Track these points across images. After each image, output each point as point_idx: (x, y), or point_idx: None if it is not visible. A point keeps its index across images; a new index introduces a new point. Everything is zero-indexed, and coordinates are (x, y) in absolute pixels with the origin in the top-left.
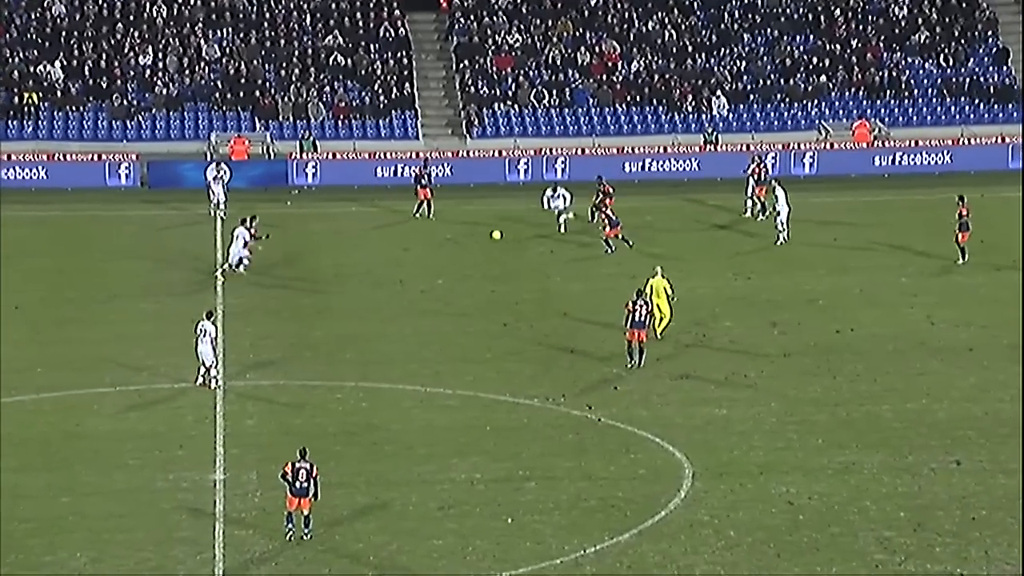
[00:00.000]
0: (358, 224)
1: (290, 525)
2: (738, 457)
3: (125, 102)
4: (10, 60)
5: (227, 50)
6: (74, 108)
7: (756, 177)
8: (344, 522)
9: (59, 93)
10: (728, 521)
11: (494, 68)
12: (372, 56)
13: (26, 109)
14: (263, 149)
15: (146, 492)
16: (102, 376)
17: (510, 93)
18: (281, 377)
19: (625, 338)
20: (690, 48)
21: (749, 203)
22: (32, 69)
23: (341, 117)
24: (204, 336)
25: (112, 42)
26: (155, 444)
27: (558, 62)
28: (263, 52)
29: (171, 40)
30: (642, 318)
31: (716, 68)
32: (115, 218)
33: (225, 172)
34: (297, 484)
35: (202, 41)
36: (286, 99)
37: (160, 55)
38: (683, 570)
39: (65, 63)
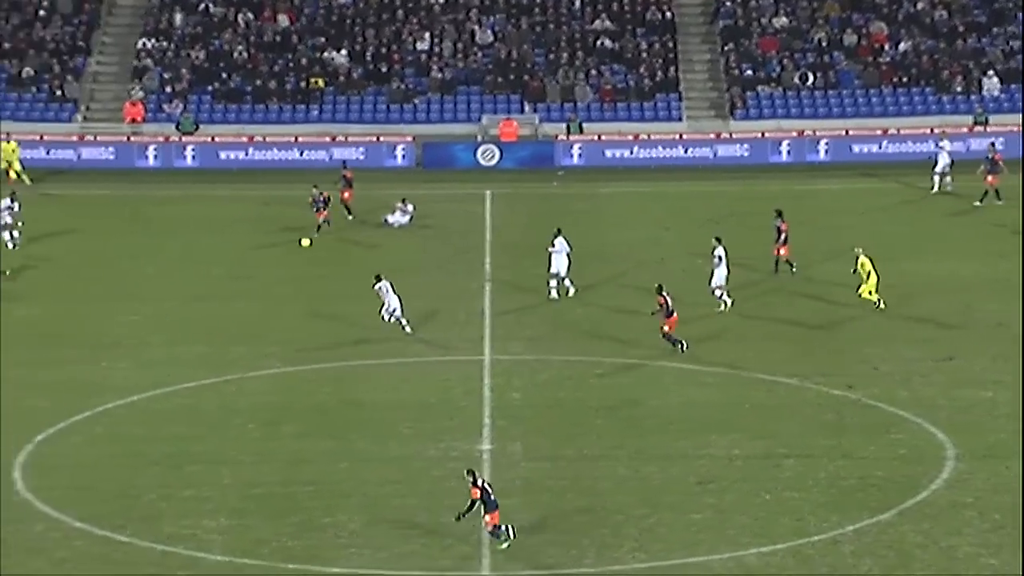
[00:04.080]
0: (621, 205)
1: (508, 534)
2: (1004, 440)
3: (403, 86)
4: (299, 47)
5: (499, 35)
6: (356, 93)
7: (991, 164)
8: (605, 494)
9: (343, 78)
10: (993, 503)
11: (759, 50)
12: (638, 40)
13: (313, 94)
14: (531, 131)
15: (418, 460)
16: (377, 349)
17: (774, 75)
18: (544, 352)
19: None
20: (961, 28)
21: (937, 179)
22: (319, 56)
23: (607, 100)
24: (387, 293)
25: (392, 29)
26: (426, 415)
27: (824, 44)
28: (533, 36)
29: (447, 26)
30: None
31: (988, 48)
32: (391, 196)
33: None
34: (492, 499)
35: (476, 27)
36: (554, 82)
37: (436, 41)
38: (945, 551)
39: (349, 50)
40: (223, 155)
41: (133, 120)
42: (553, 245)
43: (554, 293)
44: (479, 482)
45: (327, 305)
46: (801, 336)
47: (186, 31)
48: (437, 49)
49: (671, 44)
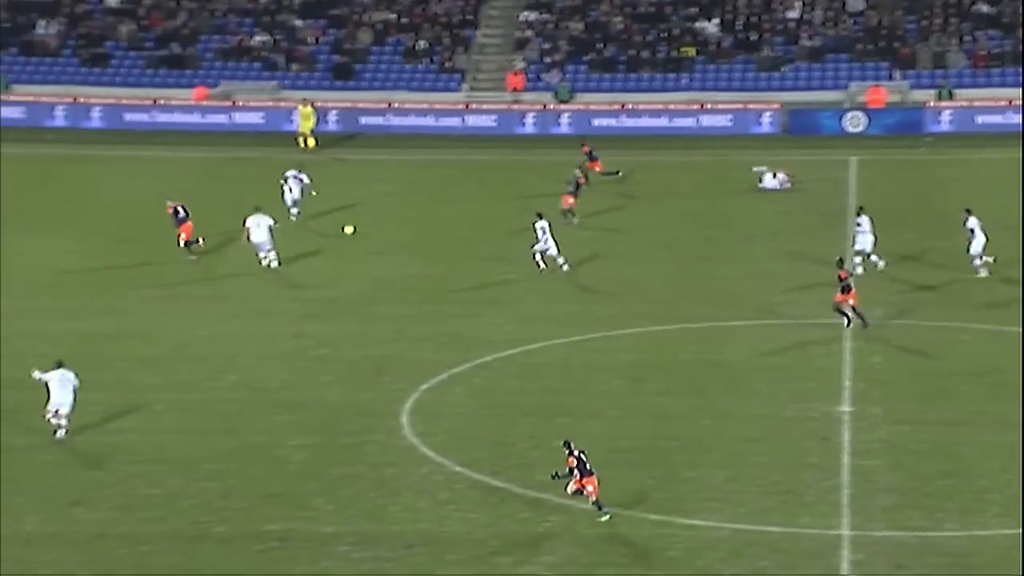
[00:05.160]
0: (991, 171)
1: (606, 508)
2: None
3: (772, 55)
4: (672, 18)
5: (870, 3)
6: (725, 61)
7: None
8: (968, 459)
9: (714, 47)
10: None
11: None
12: (1017, 4)
13: (683, 63)
14: (900, 98)
15: (777, 419)
16: (739, 310)
17: None
18: (908, 317)
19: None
20: None
21: None
22: (691, 25)
23: (980, 65)
24: (544, 233)
25: None
26: (786, 375)
27: None
28: (905, 3)
29: None
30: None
31: None
32: (754, 162)
33: None
34: (587, 467)
35: None
36: (925, 48)
37: (807, 9)
38: None
39: (720, 19)
40: (596, 122)
41: (515, 89)
42: (859, 224)
43: (859, 269)
44: (575, 452)
45: (695, 267)
46: None
47: (566, 3)
48: (807, 17)
49: None
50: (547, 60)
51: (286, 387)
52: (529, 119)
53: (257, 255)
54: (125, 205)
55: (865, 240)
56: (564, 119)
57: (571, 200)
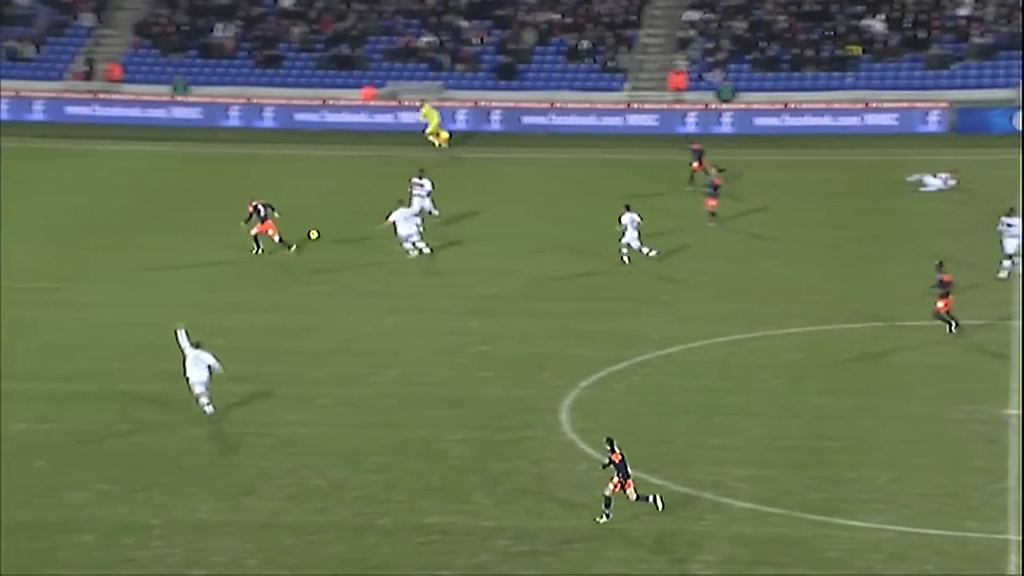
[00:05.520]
0: None
1: (608, 511)
2: None
3: (940, 52)
4: (837, 16)
5: None
6: (892, 59)
7: None
8: None
9: (880, 45)
10: None
11: None
12: None
13: (848, 61)
14: None
15: (941, 421)
16: (903, 310)
17: None
18: None
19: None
20: None
21: None
22: (856, 24)
23: None
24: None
25: None
26: (951, 377)
27: None
28: None
29: None
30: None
31: None
32: (921, 162)
33: None
34: (626, 468)
35: None
36: None
37: (979, 6)
38: None
39: (887, 17)
40: (757, 121)
41: (676, 88)
42: (1009, 224)
43: (1003, 273)
44: (618, 449)
45: (858, 266)
46: None
47: (729, 2)
48: (978, 14)
49: None
50: (709, 59)
51: (447, 383)
52: (691, 118)
53: (403, 246)
54: (295, 203)
55: (1013, 242)
56: (726, 118)
57: (712, 202)
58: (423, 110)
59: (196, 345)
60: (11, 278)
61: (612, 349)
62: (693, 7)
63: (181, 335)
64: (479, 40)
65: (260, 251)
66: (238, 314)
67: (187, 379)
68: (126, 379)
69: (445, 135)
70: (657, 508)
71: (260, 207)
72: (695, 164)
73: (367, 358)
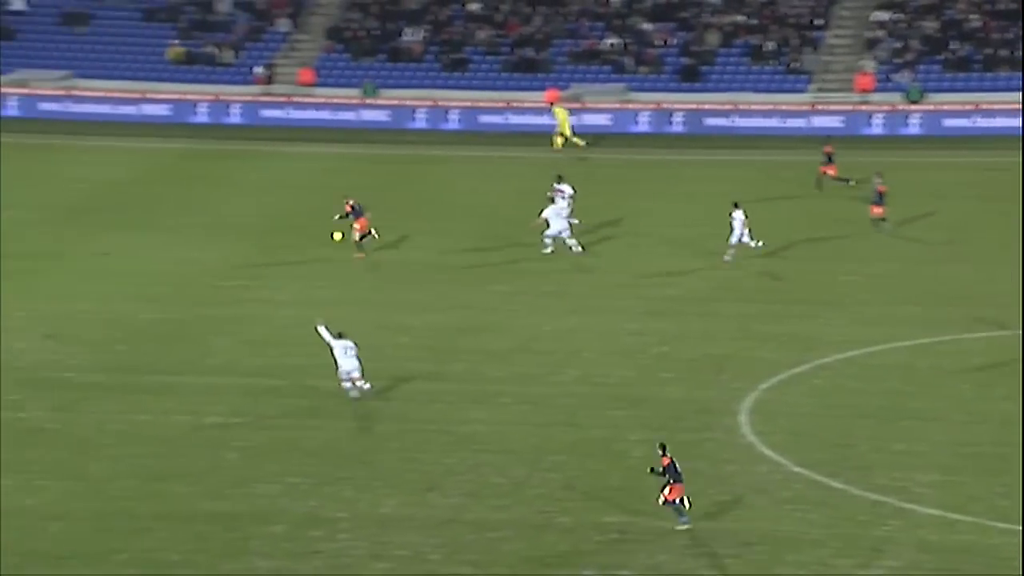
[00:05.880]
0: None
1: (684, 517)
2: None
3: None
4: None
5: None
6: None
7: None
8: None
9: None
10: None
11: None
12: None
13: None
14: None
15: None
16: None
17: None
18: None
19: None
20: None
21: None
22: None
23: None
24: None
25: None
26: None
27: None
28: None
29: None
30: None
31: None
32: None
33: None
34: (678, 473)
35: None
36: None
37: None
38: None
39: None
40: (947, 123)
41: (863, 90)
42: None
43: None
44: (668, 454)
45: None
46: None
47: (920, 2)
48: None
49: None
50: (897, 60)
51: (626, 383)
52: (877, 120)
53: (543, 241)
54: (479, 204)
55: None
56: (914, 120)
57: (877, 210)
58: (554, 110)
59: (339, 335)
60: (209, 276)
61: (793, 351)
62: (882, 7)
63: (322, 330)
64: (663, 42)
65: (361, 252)
66: (422, 313)
67: (338, 369)
68: (315, 375)
69: (560, 140)
70: (682, 514)
71: (355, 206)
72: (826, 169)
73: (547, 357)
